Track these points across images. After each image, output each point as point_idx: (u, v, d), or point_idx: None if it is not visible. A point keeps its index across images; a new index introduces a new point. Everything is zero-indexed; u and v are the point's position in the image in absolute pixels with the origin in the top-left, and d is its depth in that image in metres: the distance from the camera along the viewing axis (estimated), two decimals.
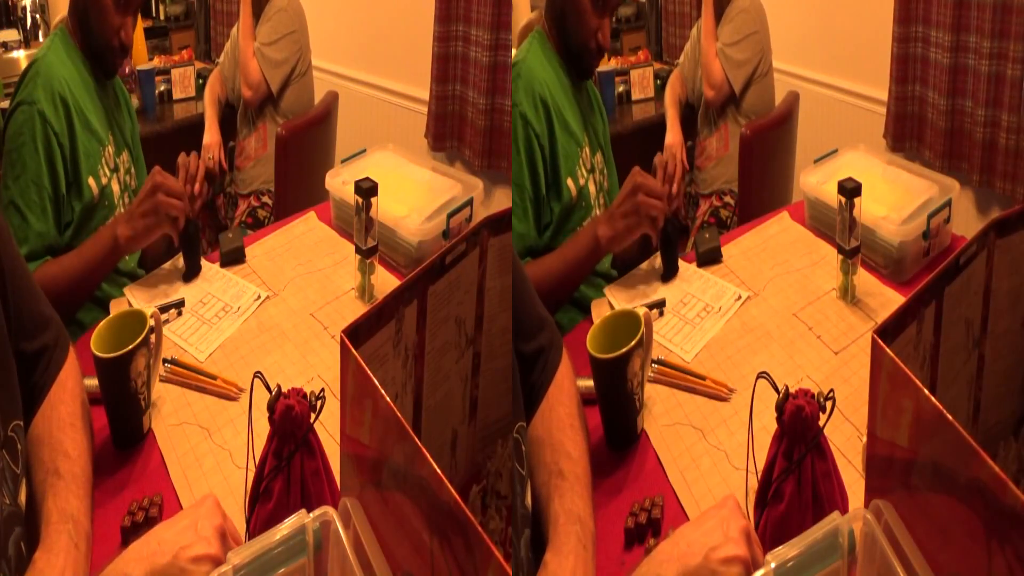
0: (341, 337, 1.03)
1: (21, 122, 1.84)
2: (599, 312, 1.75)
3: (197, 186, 1.87)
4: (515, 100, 1.85)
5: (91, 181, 1.90)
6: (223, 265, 1.92)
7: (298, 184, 2.59)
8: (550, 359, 1.41)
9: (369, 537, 1.01)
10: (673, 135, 2.57)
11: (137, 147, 2.12)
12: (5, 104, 2.40)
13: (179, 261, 1.89)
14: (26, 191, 1.82)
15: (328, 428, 1.23)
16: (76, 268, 1.78)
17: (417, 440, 0.92)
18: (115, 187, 1.97)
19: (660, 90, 2.82)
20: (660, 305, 1.78)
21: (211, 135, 2.67)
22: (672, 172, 1.83)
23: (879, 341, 1.02)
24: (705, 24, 2.55)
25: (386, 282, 1.86)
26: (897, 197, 2.01)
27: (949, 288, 1.25)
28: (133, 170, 2.08)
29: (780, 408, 1.21)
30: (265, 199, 2.66)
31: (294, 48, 2.67)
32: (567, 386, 1.40)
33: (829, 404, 1.20)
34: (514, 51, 2.49)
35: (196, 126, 2.71)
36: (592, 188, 1.97)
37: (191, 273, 1.87)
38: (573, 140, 1.93)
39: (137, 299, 1.81)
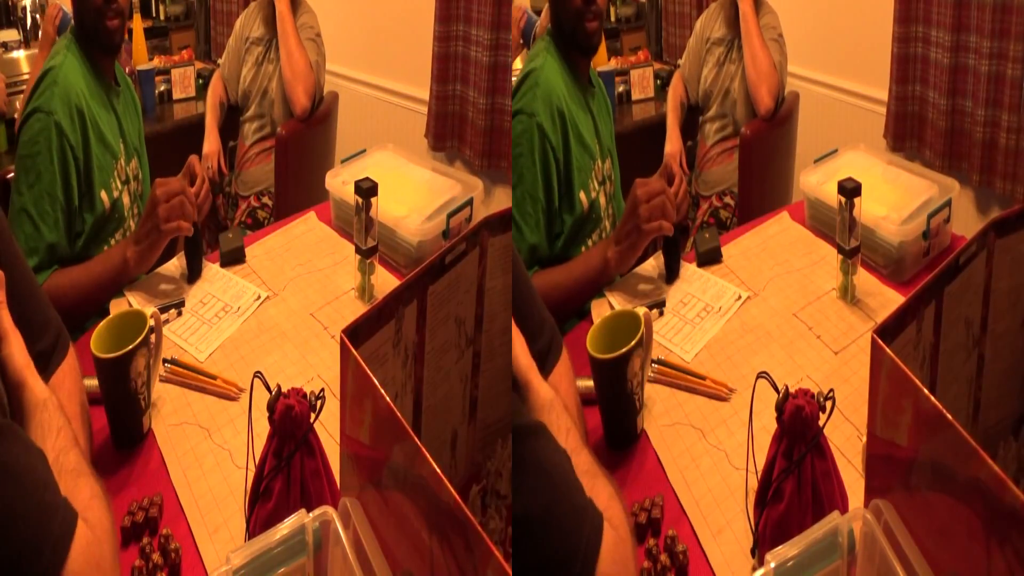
0: (341, 337, 1.03)
1: (37, 130, 1.84)
2: (599, 312, 1.75)
3: (200, 201, 1.86)
4: (532, 108, 1.84)
5: (103, 194, 1.91)
6: (223, 265, 1.92)
7: (298, 184, 2.59)
8: (549, 361, 1.41)
9: (369, 537, 1.01)
10: (672, 144, 2.56)
11: (142, 147, 2.12)
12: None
13: (180, 261, 1.89)
14: (40, 201, 1.82)
15: (328, 428, 1.23)
16: (85, 284, 1.78)
17: (417, 440, 0.92)
18: (126, 199, 1.97)
19: (660, 90, 2.82)
20: (660, 305, 1.78)
21: (210, 143, 2.66)
22: (677, 190, 1.82)
23: (879, 341, 1.02)
24: (749, 24, 2.48)
25: (386, 282, 1.86)
26: (897, 197, 2.01)
27: (949, 288, 1.25)
28: (141, 175, 2.08)
29: (780, 408, 1.21)
30: (265, 200, 2.66)
31: (323, 55, 2.68)
32: (565, 387, 1.40)
33: (829, 404, 1.20)
34: (514, 52, 2.49)
35: (196, 126, 2.71)
36: (603, 200, 1.97)
37: (194, 275, 1.87)
38: (587, 154, 1.93)
39: (137, 299, 1.81)
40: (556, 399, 1.27)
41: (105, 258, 1.82)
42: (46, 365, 1.35)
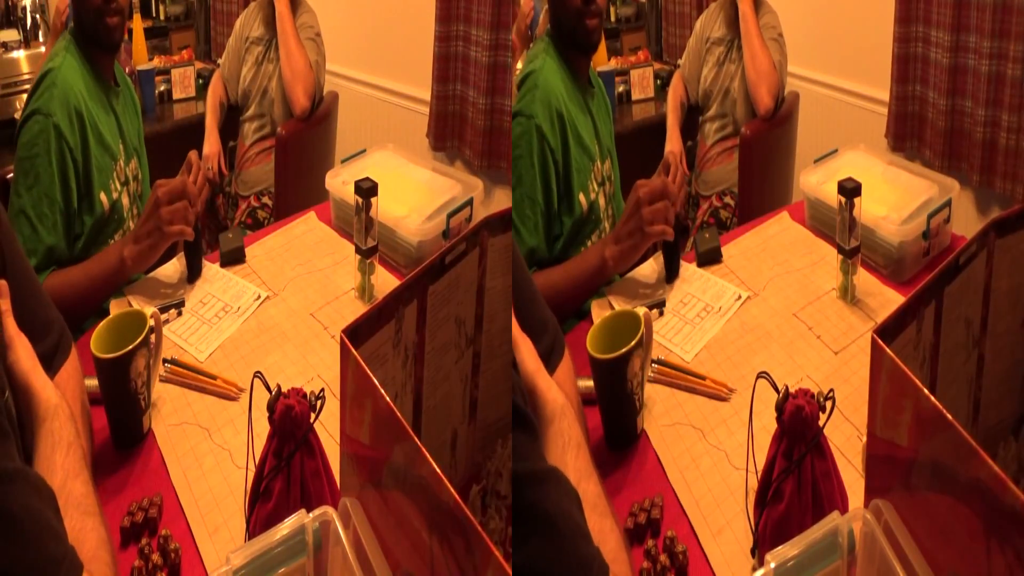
0: (341, 337, 1.03)
1: (36, 132, 1.84)
2: (599, 312, 1.75)
3: (198, 187, 1.85)
4: (530, 111, 1.84)
5: (103, 196, 1.91)
6: (223, 265, 1.92)
7: (298, 184, 2.59)
8: (551, 361, 1.41)
9: (369, 537, 1.01)
10: (672, 144, 2.56)
11: (142, 147, 2.12)
12: None
13: (180, 261, 1.89)
14: (38, 203, 1.82)
15: (328, 428, 1.23)
16: (82, 285, 1.78)
17: (417, 440, 0.92)
18: (125, 200, 1.97)
19: (660, 90, 2.82)
20: (660, 305, 1.78)
21: (211, 144, 2.66)
22: (676, 182, 1.82)
23: (879, 341, 1.02)
24: (748, 24, 2.48)
25: (386, 282, 1.86)
26: (897, 197, 2.01)
27: (949, 288, 1.25)
28: (140, 176, 2.08)
29: (780, 408, 1.21)
30: (265, 200, 2.66)
31: (323, 55, 2.68)
32: (567, 388, 1.40)
33: (829, 404, 1.20)
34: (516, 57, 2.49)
35: (196, 126, 2.71)
36: (602, 201, 1.97)
37: (194, 274, 1.87)
38: (586, 155, 1.92)
39: (137, 299, 1.81)
40: (568, 406, 1.26)
41: (102, 257, 1.82)
42: (48, 366, 1.35)
